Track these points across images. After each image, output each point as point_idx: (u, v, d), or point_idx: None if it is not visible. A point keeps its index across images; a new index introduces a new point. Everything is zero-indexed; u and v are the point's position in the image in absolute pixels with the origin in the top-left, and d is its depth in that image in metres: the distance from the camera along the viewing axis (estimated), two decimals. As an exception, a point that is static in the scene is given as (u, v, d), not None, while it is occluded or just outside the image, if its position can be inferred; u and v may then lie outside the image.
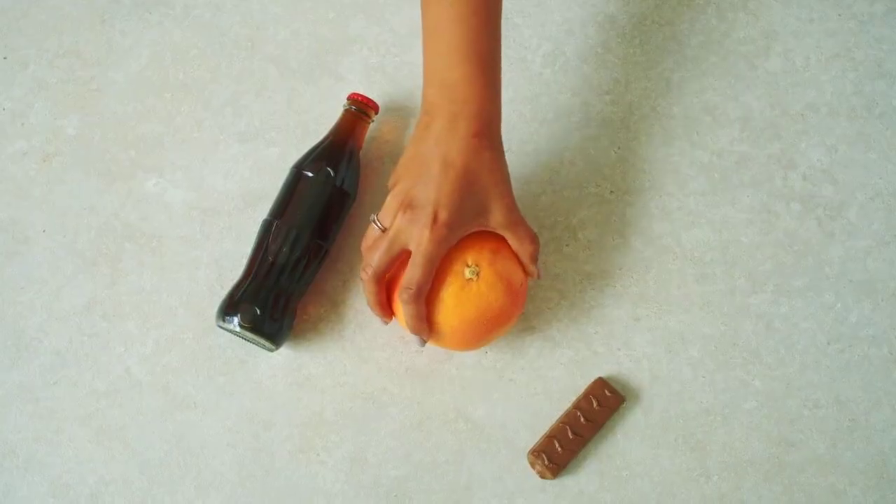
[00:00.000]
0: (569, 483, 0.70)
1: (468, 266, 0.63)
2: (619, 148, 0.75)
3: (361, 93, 0.72)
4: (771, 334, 0.72)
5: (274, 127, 0.76)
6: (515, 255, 0.66)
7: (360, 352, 0.72)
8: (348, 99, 0.72)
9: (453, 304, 0.63)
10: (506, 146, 0.75)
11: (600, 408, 0.70)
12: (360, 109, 0.72)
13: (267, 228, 0.69)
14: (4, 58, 0.77)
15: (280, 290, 0.68)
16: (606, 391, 0.70)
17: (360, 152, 0.73)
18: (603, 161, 0.75)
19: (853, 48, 0.77)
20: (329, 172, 0.69)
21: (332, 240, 0.71)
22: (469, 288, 0.63)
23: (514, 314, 0.66)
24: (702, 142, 0.75)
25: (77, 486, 0.70)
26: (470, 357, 0.72)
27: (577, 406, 0.70)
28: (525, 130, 0.76)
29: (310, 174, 0.69)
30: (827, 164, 0.75)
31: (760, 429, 0.71)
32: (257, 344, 0.69)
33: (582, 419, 0.69)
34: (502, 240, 0.65)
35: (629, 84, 0.77)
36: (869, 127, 0.76)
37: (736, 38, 0.77)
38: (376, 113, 0.73)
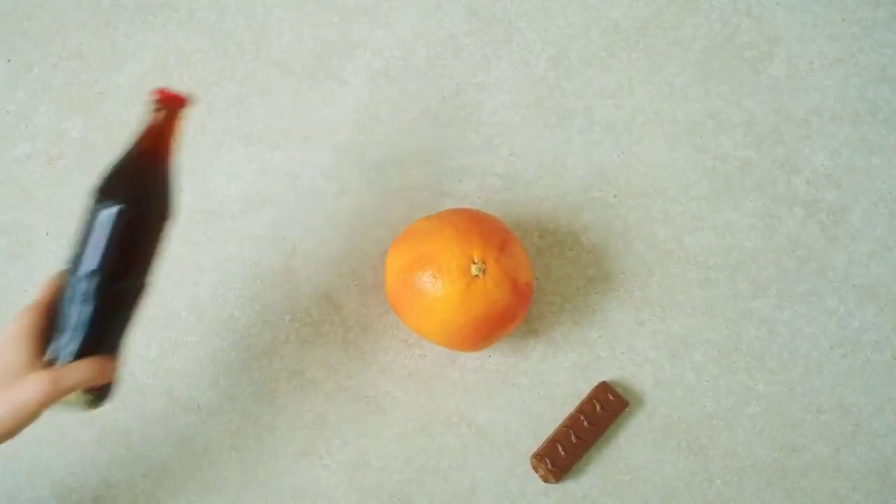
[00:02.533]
0: (572, 487, 0.70)
1: (474, 263, 0.63)
2: (622, 152, 0.75)
3: (165, 88, 0.57)
4: (774, 339, 0.73)
5: (277, 130, 0.76)
6: (523, 253, 0.66)
7: (364, 355, 0.72)
8: (151, 99, 0.56)
9: (459, 302, 0.62)
10: (509, 150, 0.75)
11: (603, 412, 0.70)
12: (166, 108, 0.56)
13: (65, 282, 0.57)
14: (8, 60, 0.77)
15: (93, 352, 0.56)
16: (610, 395, 0.70)
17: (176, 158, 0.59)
18: (606, 165, 0.75)
19: (856, 53, 0.77)
20: (129, 201, 0.54)
21: (143, 275, 0.58)
22: (475, 285, 0.63)
23: (519, 313, 0.66)
24: (705, 146, 0.75)
25: (80, 488, 0.70)
26: (473, 361, 0.72)
27: (580, 410, 0.70)
28: (528, 134, 0.76)
29: (107, 208, 0.54)
30: (830, 168, 0.75)
31: (763, 433, 0.71)
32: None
33: (585, 423, 0.69)
34: (510, 237, 0.65)
35: (633, 88, 0.77)
36: (872, 132, 0.76)
37: (739, 43, 0.77)
38: (185, 107, 0.57)
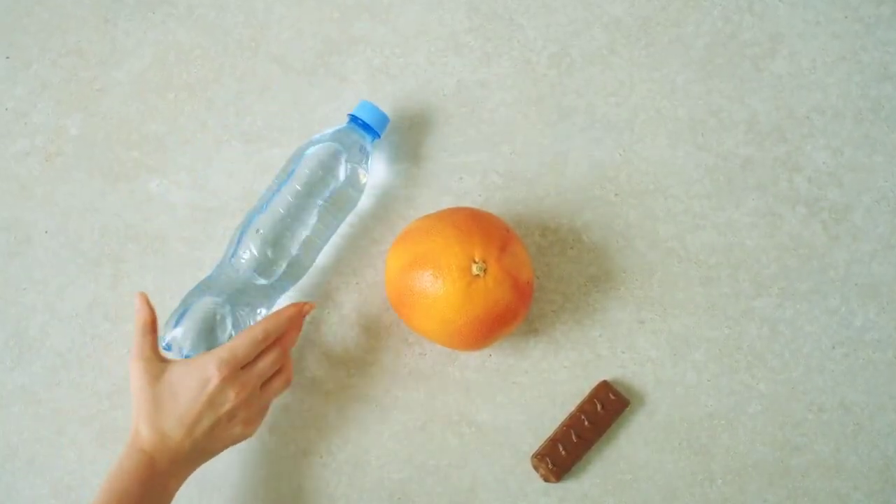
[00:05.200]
0: (572, 487, 0.70)
1: (475, 262, 0.62)
2: (623, 150, 0.75)
3: None
4: (775, 338, 0.72)
5: (277, 127, 0.75)
6: (524, 252, 0.66)
7: (364, 354, 0.72)
8: None
9: (459, 302, 0.62)
10: (510, 148, 0.75)
11: (604, 411, 0.69)
12: None
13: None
14: (7, 57, 0.77)
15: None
16: (610, 394, 0.70)
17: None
18: (607, 163, 0.75)
19: (859, 51, 0.77)
20: None
21: None
22: (476, 285, 0.62)
23: (520, 312, 0.65)
24: (707, 144, 0.75)
25: (79, 487, 0.70)
26: (473, 360, 0.72)
27: (580, 409, 0.70)
28: (529, 132, 0.75)
29: None
30: (832, 166, 0.75)
31: (765, 433, 0.71)
32: None
33: (586, 423, 0.69)
34: (510, 236, 0.65)
35: (634, 86, 0.76)
36: (875, 130, 0.75)
37: (742, 41, 0.77)
38: None
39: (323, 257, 0.73)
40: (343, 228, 0.73)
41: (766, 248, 0.74)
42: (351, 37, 0.77)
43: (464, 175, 0.75)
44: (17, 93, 0.76)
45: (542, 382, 0.71)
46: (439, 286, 0.62)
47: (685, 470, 0.70)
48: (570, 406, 0.71)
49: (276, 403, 0.71)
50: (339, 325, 0.72)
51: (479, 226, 0.64)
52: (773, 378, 0.72)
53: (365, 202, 0.74)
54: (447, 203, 0.74)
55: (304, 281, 0.72)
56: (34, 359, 0.72)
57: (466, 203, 0.74)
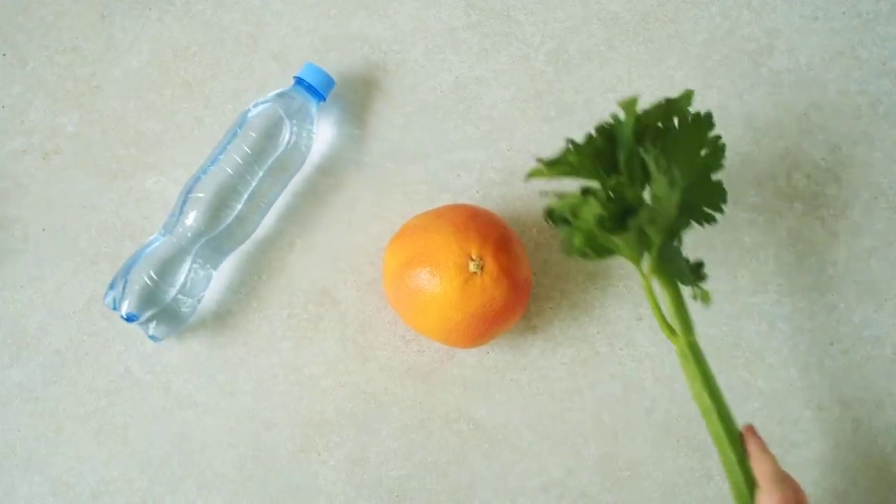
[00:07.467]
0: (571, 484, 0.70)
1: (472, 259, 0.62)
2: (621, 147, 0.75)
3: None
4: (774, 335, 0.72)
5: (275, 125, 0.75)
6: (521, 249, 0.66)
7: (362, 351, 0.72)
8: None
9: (457, 299, 0.62)
10: (508, 144, 0.75)
11: None
12: None
13: None
14: (3, 54, 0.77)
15: None
16: None
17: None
18: (606, 160, 0.75)
19: (858, 46, 0.77)
20: None
21: None
22: (473, 282, 0.62)
23: (517, 310, 0.65)
24: (705, 141, 0.75)
25: (77, 485, 0.70)
26: (471, 357, 0.72)
27: None
28: (527, 129, 0.75)
29: None
30: (831, 163, 0.75)
31: (763, 429, 0.70)
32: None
33: None
34: (508, 233, 0.65)
35: (632, 82, 0.76)
36: (873, 126, 0.75)
37: (740, 36, 0.77)
38: None
39: (320, 255, 0.73)
40: (340, 225, 0.73)
41: (764, 245, 0.74)
42: (348, 33, 0.77)
43: (461, 172, 0.74)
44: (13, 91, 0.76)
45: (540, 379, 0.71)
46: (436, 284, 0.62)
47: (683, 467, 0.70)
48: (569, 403, 0.71)
49: (274, 402, 0.71)
50: (336, 323, 0.72)
51: (476, 223, 0.64)
52: (772, 375, 0.72)
53: (362, 199, 0.74)
54: (445, 200, 0.74)
55: (302, 279, 0.72)
56: (32, 356, 0.72)
57: (464, 200, 0.74)
